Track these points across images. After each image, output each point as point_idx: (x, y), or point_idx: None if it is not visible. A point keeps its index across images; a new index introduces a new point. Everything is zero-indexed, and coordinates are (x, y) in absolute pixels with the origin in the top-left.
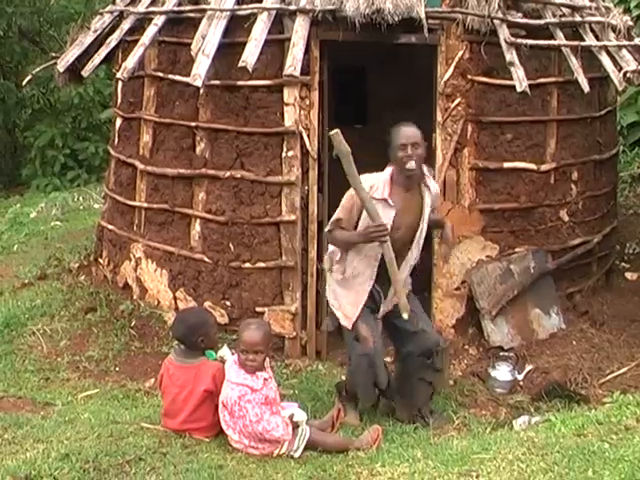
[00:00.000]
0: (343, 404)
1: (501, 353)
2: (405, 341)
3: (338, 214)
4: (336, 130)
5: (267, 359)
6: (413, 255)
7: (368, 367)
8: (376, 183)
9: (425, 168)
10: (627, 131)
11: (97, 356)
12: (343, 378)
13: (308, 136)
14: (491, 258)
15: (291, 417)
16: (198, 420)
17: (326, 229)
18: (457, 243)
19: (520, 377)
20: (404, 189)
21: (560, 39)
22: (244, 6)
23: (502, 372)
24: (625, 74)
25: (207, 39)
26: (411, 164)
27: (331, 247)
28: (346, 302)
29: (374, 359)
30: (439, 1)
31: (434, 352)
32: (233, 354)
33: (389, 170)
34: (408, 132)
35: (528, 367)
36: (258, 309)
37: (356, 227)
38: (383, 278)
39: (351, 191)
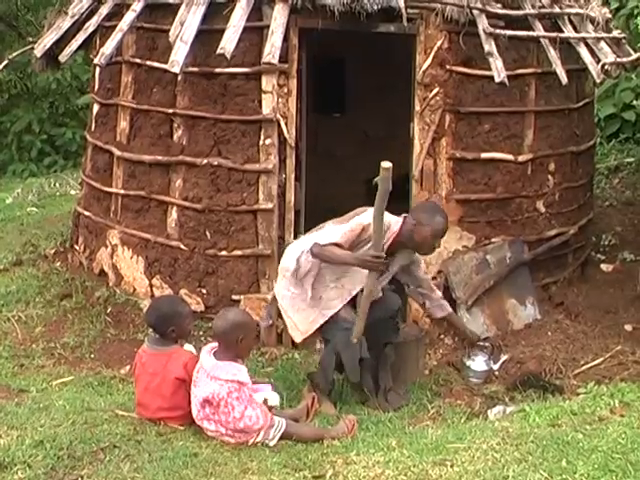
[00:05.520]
0: (317, 394)
1: (477, 343)
2: (372, 309)
3: (339, 239)
4: (390, 165)
5: None
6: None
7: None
8: (385, 228)
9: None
10: (604, 123)
11: (72, 343)
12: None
13: (286, 124)
14: (467, 248)
15: (265, 402)
16: (173, 409)
17: (319, 244)
18: None
19: (495, 367)
20: (399, 246)
21: (539, 30)
22: None
23: (477, 362)
24: (603, 66)
25: (185, 26)
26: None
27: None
28: (303, 317)
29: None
30: None
31: (398, 312)
32: (213, 348)
33: (399, 222)
34: (445, 229)
35: (503, 357)
36: (234, 297)
37: None
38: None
39: (362, 220)
